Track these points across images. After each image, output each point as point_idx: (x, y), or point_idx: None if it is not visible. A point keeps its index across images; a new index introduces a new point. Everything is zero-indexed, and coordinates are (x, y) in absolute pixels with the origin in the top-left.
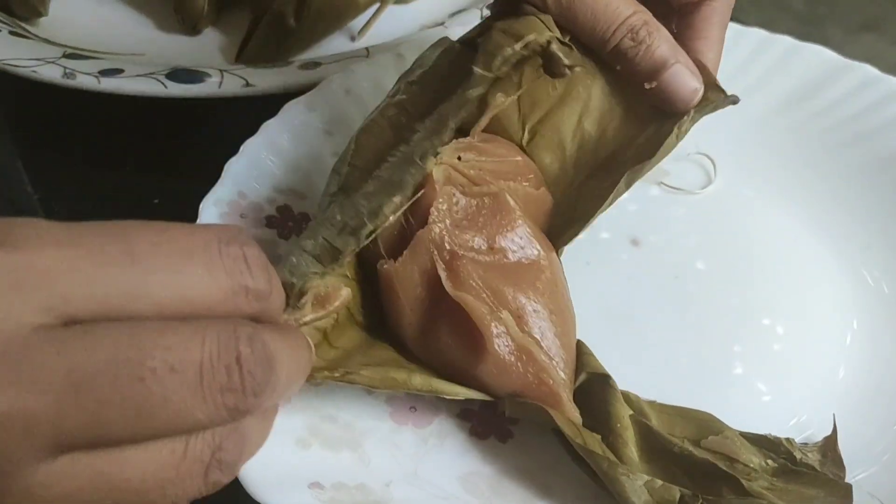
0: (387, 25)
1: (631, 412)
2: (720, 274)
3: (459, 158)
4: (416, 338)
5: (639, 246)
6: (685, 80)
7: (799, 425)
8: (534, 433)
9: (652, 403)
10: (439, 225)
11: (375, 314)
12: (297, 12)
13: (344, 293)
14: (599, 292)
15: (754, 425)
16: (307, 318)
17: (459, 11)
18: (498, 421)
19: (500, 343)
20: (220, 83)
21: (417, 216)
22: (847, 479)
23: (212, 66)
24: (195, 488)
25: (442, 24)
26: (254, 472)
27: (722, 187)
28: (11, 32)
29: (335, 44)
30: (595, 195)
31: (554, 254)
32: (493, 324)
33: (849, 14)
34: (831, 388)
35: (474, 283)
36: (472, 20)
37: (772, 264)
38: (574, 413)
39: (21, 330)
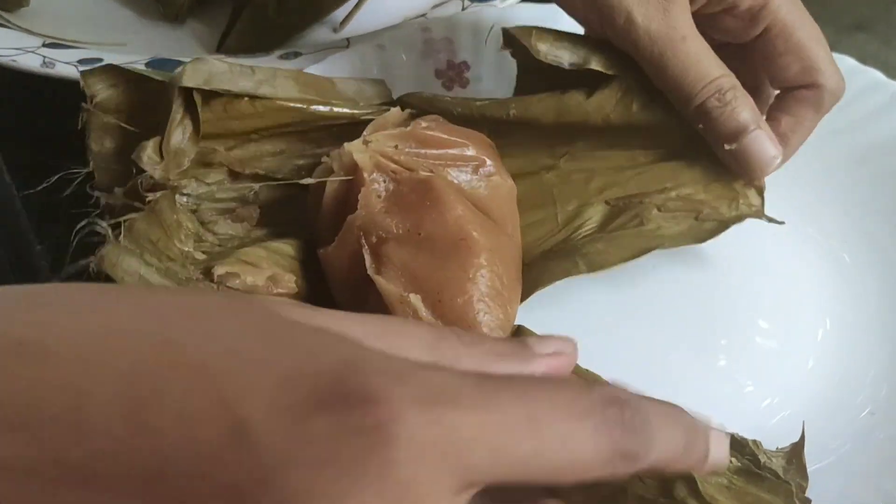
0: (369, 16)
1: None
2: (705, 266)
3: (397, 147)
4: None
5: None
6: (765, 146)
7: (772, 407)
8: None
9: None
10: (365, 211)
11: (320, 292)
12: (278, 3)
13: (290, 285)
14: (582, 284)
15: (736, 416)
16: (245, 285)
17: (441, 2)
18: None
19: None
20: None
21: (349, 202)
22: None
23: (192, 55)
24: None
25: (423, 15)
26: None
27: None
28: None
29: (317, 35)
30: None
31: (502, 238)
32: (402, 306)
33: (840, 14)
34: (804, 379)
35: (394, 267)
36: (453, 11)
37: (754, 256)
38: None
39: (439, 500)
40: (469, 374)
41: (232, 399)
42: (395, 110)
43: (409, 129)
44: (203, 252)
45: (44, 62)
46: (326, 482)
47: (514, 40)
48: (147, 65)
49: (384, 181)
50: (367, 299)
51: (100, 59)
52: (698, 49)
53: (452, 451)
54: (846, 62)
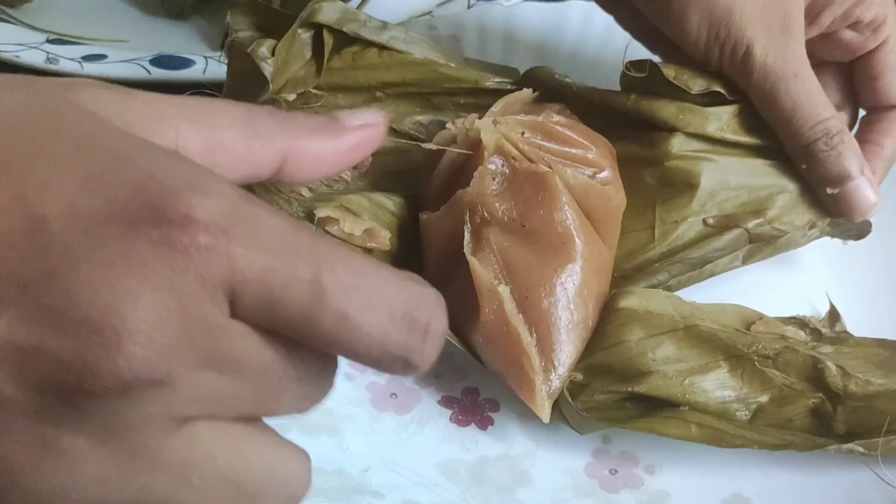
0: (374, 14)
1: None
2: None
3: (523, 134)
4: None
5: None
6: (867, 194)
7: None
8: (514, 422)
9: (695, 304)
10: (477, 190)
11: (411, 253)
12: (282, 1)
13: (384, 241)
14: None
15: None
16: (342, 232)
17: (446, 0)
18: (479, 409)
19: (492, 314)
20: (205, 69)
21: (462, 176)
22: None
23: (196, 52)
24: None
25: (429, 13)
26: None
27: None
28: None
29: None
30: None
31: (600, 249)
32: (490, 294)
33: None
34: None
35: (492, 252)
36: (459, 9)
37: (761, 265)
38: (544, 409)
39: (210, 304)
40: (283, 216)
41: (32, 196)
42: (526, 91)
43: (539, 119)
44: (310, 189)
45: (47, 58)
46: (113, 279)
47: (641, 66)
48: (151, 61)
49: (502, 165)
50: (455, 273)
51: (104, 56)
52: (810, 88)
53: (227, 277)
54: None
